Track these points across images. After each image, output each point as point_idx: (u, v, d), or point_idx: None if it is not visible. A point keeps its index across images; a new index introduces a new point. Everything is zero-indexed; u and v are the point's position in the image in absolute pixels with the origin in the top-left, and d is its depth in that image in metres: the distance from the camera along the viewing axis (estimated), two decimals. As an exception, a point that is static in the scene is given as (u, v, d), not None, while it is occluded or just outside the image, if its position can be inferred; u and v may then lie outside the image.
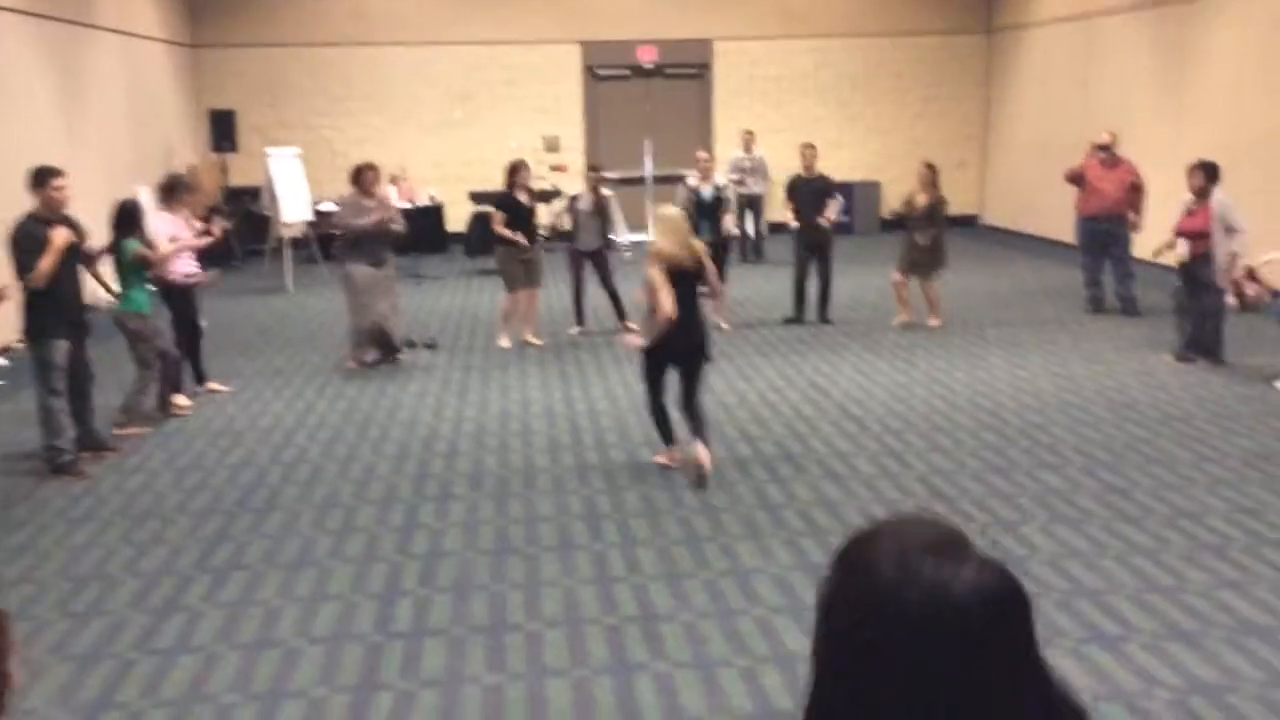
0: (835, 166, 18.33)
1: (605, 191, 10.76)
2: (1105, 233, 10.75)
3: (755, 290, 13.08)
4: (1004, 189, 18.29)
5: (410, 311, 12.28)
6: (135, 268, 7.51)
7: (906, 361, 9.32)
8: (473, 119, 17.97)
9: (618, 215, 10.82)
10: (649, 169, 18.20)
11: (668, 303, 6.15)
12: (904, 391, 8.36)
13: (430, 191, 17.34)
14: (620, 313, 10.72)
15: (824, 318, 11.08)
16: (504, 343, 10.21)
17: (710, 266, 6.61)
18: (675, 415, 6.61)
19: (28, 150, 11.10)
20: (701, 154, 10.92)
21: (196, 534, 5.82)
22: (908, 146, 18.74)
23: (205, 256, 14.04)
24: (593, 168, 10.68)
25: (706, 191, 10.65)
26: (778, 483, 6.40)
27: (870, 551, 1.15)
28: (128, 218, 7.59)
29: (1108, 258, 10.92)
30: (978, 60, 18.57)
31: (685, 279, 6.32)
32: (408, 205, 16.76)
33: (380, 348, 9.59)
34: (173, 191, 8.27)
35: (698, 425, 6.44)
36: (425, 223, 16.84)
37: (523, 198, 10.24)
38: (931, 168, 10.73)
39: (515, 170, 10.34)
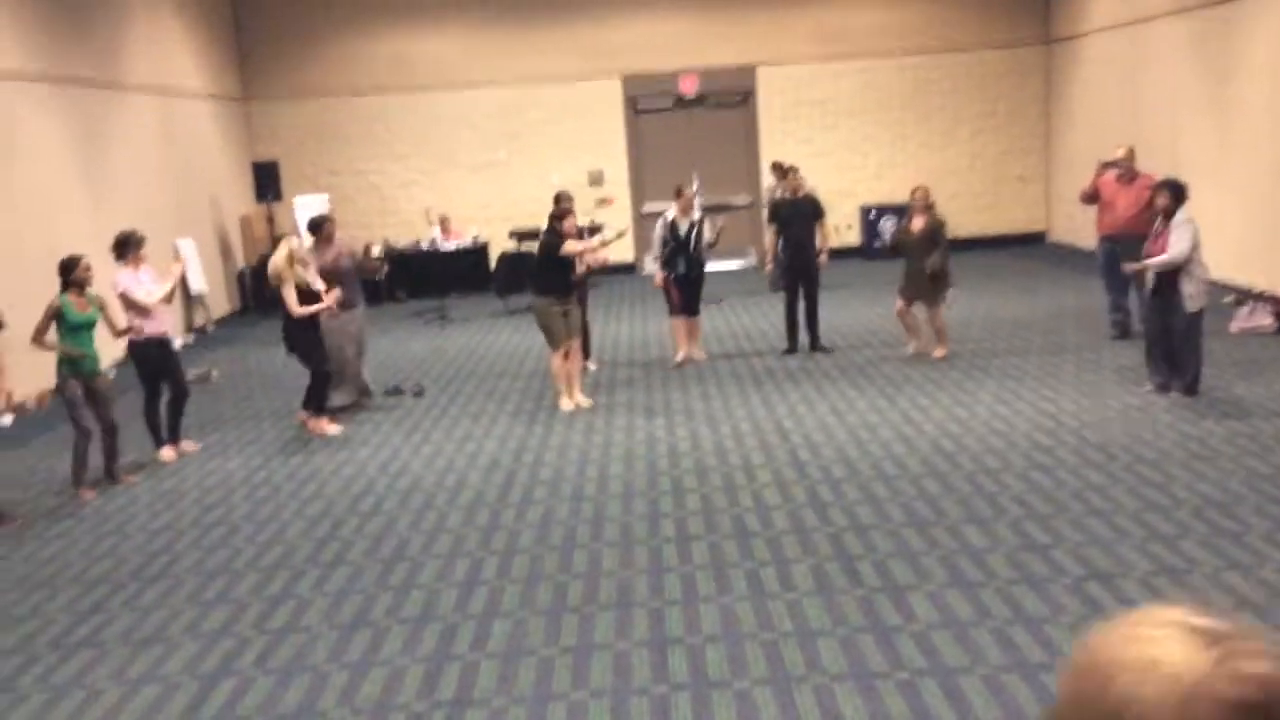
0: (889, 188, 17.90)
1: (580, 223, 10.52)
2: (1123, 253, 10.02)
3: (767, 321, 12.65)
4: (1069, 204, 17.40)
5: (417, 354, 12.27)
6: (66, 328, 7.60)
7: (887, 398, 8.82)
8: (517, 158, 17.99)
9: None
10: (697, 199, 17.93)
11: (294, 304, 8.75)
12: (867, 432, 7.89)
13: (474, 232, 17.41)
14: (585, 349, 10.45)
15: (815, 345, 10.73)
16: (565, 405, 9.23)
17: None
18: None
19: (46, 218, 11.50)
20: (687, 190, 10.63)
21: (73, 606, 5.78)
22: (965, 163, 18.08)
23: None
24: (558, 199, 10.41)
25: (683, 226, 10.44)
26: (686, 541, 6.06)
27: None
28: (61, 275, 7.68)
29: (1131, 280, 10.18)
30: (1037, 72, 17.77)
31: (311, 295, 8.85)
32: (452, 246, 16.96)
33: (349, 393, 9.65)
34: (125, 247, 8.35)
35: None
36: (466, 262, 16.95)
37: (569, 247, 9.21)
38: (925, 191, 10.26)
39: (561, 216, 9.28)
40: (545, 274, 9.22)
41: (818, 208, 10.81)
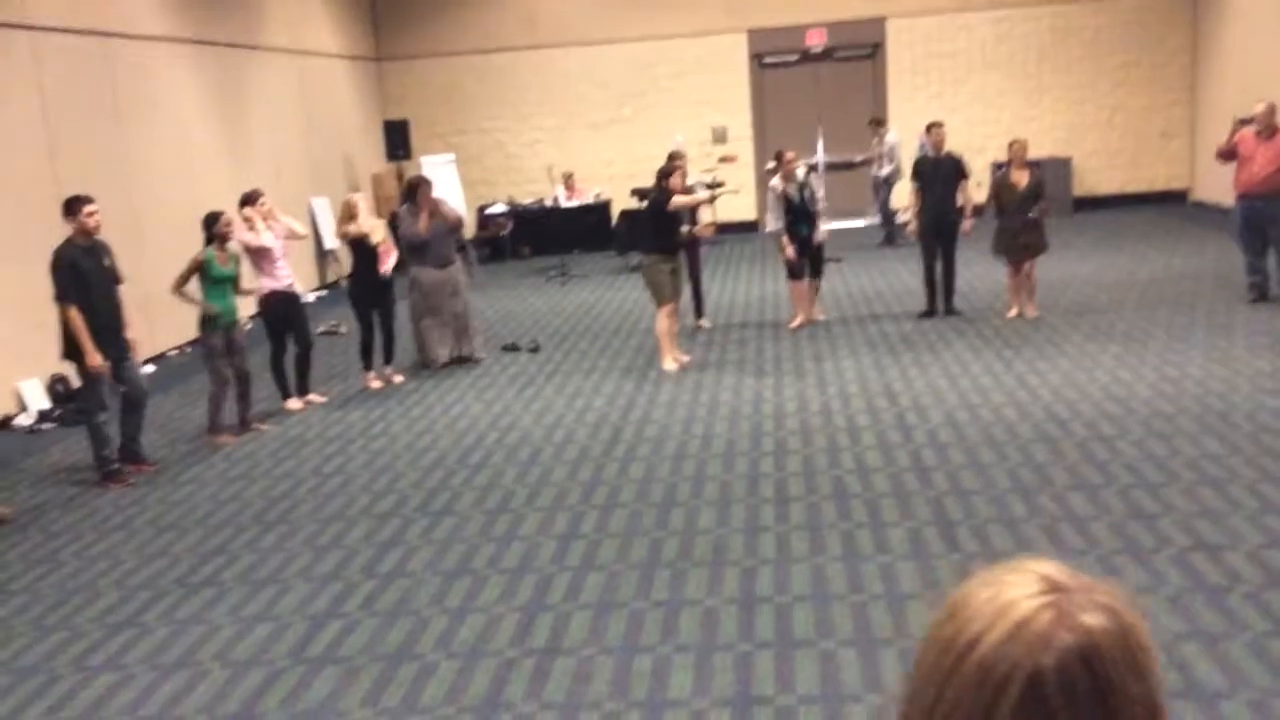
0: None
1: (689, 182, 10.54)
2: (1260, 212, 9.57)
3: (885, 282, 12.45)
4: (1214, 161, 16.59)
5: (537, 310, 12.48)
6: (209, 281, 7.98)
7: (1004, 361, 8.63)
8: (642, 115, 18.01)
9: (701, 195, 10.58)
10: (821, 155, 17.72)
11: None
12: (978, 396, 7.74)
13: (596, 190, 17.53)
14: (698, 308, 10.56)
15: (949, 308, 10.50)
16: (669, 365, 9.28)
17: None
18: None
19: (187, 175, 12.04)
20: (788, 154, 10.41)
21: (199, 547, 6.13)
22: (1105, 116, 17.39)
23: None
24: (671, 157, 10.39)
25: (793, 191, 10.26)
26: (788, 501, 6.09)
27: None
28: (205, 230, 8.06)
29: (1270, 241, 9.73)
30: (1183, 22, 16.93)
31: (369, 251, 9.18)
32: (575, 204, 17.14)
33: (457, 346, 10.05)
34: (246, 205, 8.70)
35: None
36: (589, 220, 17.10)
37: (677, 201, 9.27)
38: (1024, 144, 9.98)
39: (668, 174, 9.32)
40: (653, 231, 9.29)
41: (961, 168, 10.45)
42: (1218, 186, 16.22)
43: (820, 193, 10.50)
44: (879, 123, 15.80)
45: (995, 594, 1.00)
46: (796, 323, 10.59)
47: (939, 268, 10.47)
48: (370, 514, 6.42)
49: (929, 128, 10.81)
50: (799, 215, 10.25)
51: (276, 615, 5.16)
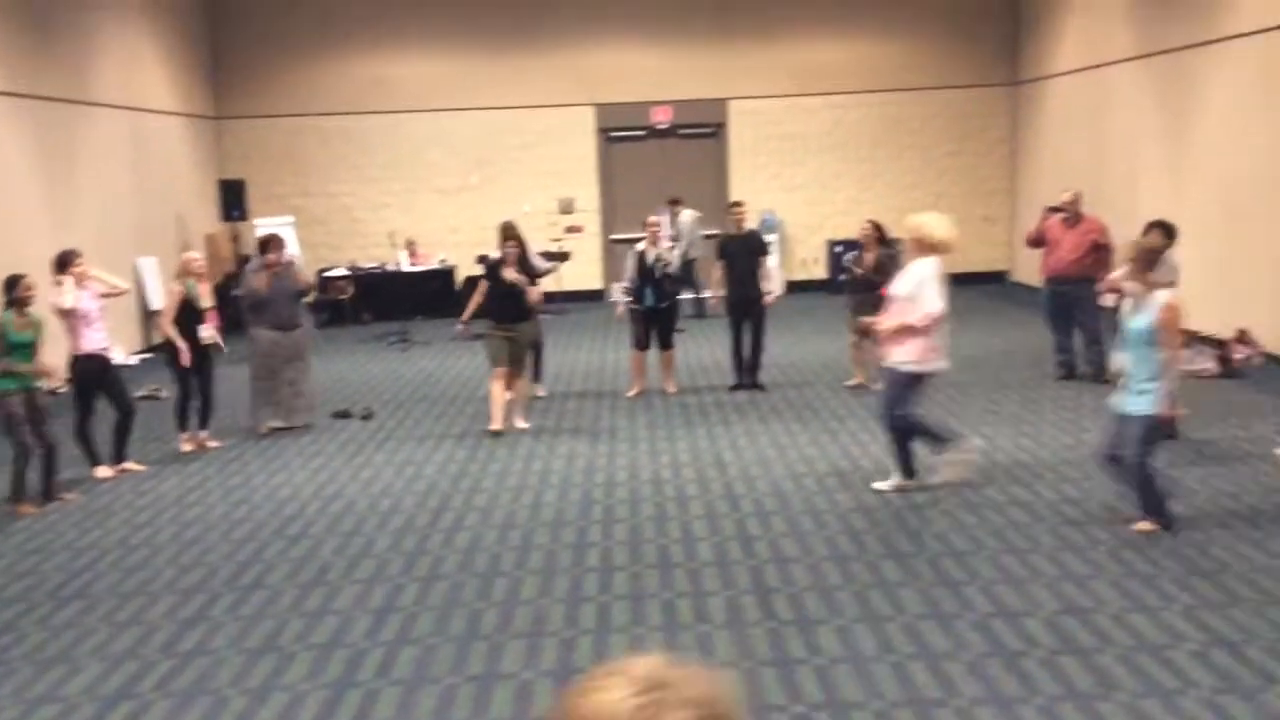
0: (856, 223, 17.92)
1: (535, 250, 10.66)
2: (1065, 295, 10.14)
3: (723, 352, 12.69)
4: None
5: (374, 377, 12.26)
6: (9, 346, 7.57)
7: (830, 433, 8.87)
8: (489, 183, 18.03)
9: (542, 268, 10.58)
10: (665, 229, 18.02)
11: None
12: (804, 466, 7.91)
13: (441, 256, 17.44)
14: (536, 375, 10.46)
15: (754, 382, 10.71)
16: (495, 426, 9.22)
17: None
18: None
19: (6, 234, 11.45)
20: (650, 219, 10.65)
21: (-16, 623, 5.74)
22: (931, 201, 18.12)
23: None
24: (504, 228, 10.42)
25: (650, 256, 10.46)
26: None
27: None
28: (4, 294, 7.67)
29: (1076, 322, 10.29)
30: (1003, 113, 17.97)
31: (197, 314, 8.96)
32: (417, 269, 17.01)
33: (286, 414, 9.73)
34: (63, 265, 8.34)
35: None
36: (432, 286, 16.97)
37: (509, 274, 9.32)
38: (876, 225, 10.43)
39: (504, 240, 9.48)
40: (487, 298, 9.38)
41: (763, 246, 10.83)
42: (1033, 269, 17.12)
43: (675, 265, 10.66)
44: (676, 202, 16.24)
45: (597, 699, 1.05)
46: (634, 391, 10.69)
47: (747, 342, 10.69)
48: (174, 589, 6.13)
49: (729, 207, 11.19)
50: (647, 280, 10.42)
51: (64, 696, 4.85)
